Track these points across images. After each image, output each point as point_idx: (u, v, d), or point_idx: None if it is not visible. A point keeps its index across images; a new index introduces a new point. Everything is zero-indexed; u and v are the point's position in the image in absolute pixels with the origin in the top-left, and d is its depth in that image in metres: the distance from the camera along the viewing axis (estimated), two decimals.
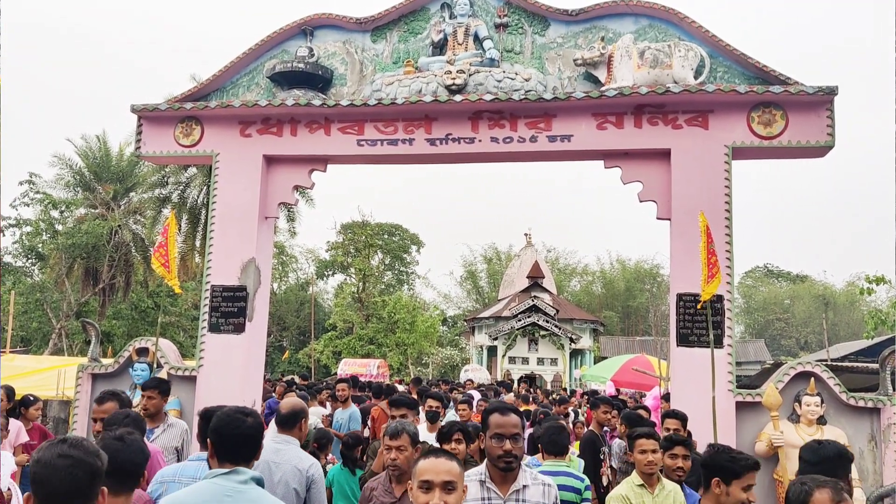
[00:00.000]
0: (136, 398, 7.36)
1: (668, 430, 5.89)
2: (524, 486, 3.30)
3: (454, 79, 7.63)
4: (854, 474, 6.19)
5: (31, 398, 7.77)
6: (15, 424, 7.12)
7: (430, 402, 7.56)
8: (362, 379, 20.95)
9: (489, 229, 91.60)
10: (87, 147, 28.94)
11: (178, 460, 5.27)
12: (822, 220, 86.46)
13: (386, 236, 48.07)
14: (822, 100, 7.00)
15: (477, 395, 13.25)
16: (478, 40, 7.94)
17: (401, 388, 15.86)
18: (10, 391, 7.37)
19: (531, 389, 18.09)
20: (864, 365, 10.55)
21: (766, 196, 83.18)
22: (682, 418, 5.99)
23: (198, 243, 26.43)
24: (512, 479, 3.28)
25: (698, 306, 6.33)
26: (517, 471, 3.31)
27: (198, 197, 26.77)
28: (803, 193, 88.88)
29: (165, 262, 7.02)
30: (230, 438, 2.96)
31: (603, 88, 7.35)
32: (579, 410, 13.55)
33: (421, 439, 4.68)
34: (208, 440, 3.05)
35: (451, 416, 9.05)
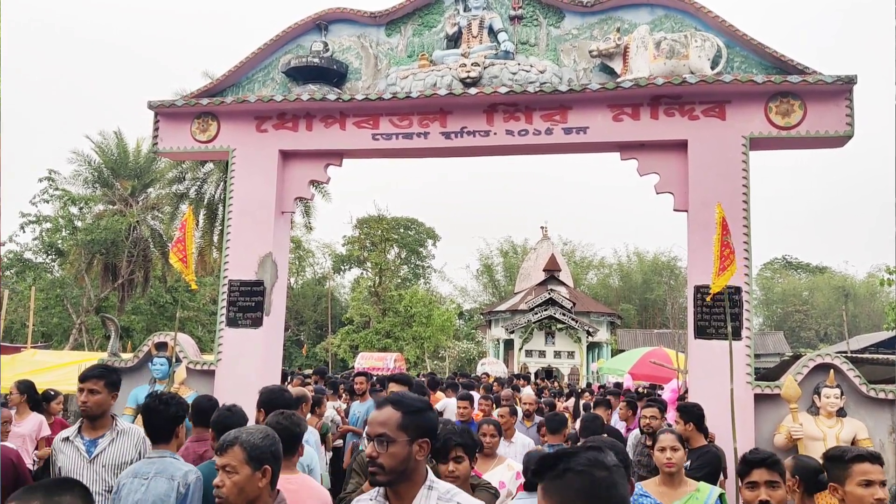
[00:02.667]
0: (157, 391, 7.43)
1: (676, 422, 5.85)
2: None
3: (469, 72, 7.61)
4: None
5: (52, 392, 7.88)
6: (37, 418, 7.22)
7: (393, 388, 5.94)
8: (377, 373, 21.03)
9: (505, 222, 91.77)
10: (105, 143, 29.17)
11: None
12: (843, 211, 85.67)
13: (402, 230, 48.15)
14: (841, 89, 6.92)
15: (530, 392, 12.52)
16: (492, 33, 7.91)
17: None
18: (29, 386, 7.46)
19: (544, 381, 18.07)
20: (885, 357, 10.45)
21: (784, 187, 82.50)
22: (685, 411, 5.86)
23: (215, 238, 26.62)
24: (409, 498, 2.46)
25: (707, 298, 6.27)
26: (413, 489, 2.46)
27: (215, 192, 26.95)
28: (823, 183, 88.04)
29: (183, 258, 7.06)
30: (273, 405, 4.15)
31: (619, 80, 7.31)
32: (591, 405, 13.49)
33: None
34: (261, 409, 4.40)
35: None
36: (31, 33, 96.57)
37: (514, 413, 7.18)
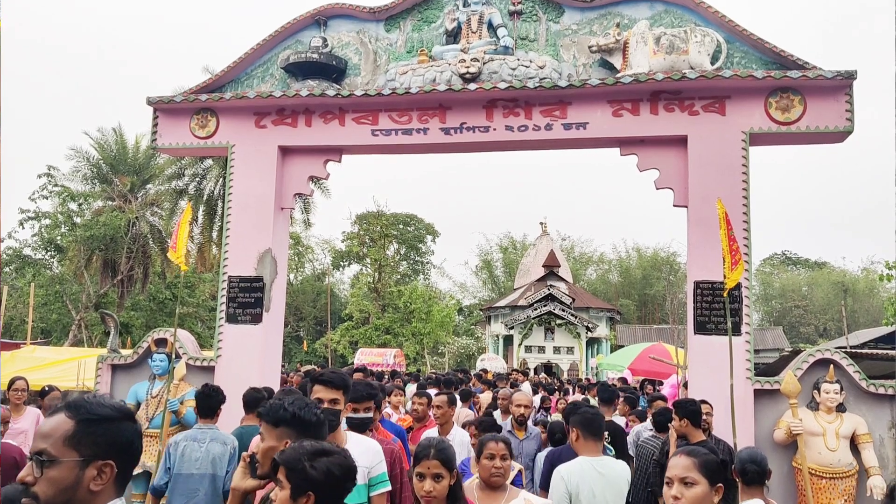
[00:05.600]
0: (156, 388, 7.43)
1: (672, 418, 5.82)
2: None
3: (468, 67, 7.60)
4: (874, 462, 6.17)
5: (48, 388, 7.97)
6: (35, 411, 7.29)
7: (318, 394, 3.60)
8: (377, 369, 21.07)
9: (504, 218, 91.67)
10: (104, 139, 29.13)
11: None
12: (841, 206, 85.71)
13: (401, 226, 48.13)
14: (841, 84, 6.91)
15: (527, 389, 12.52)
16: (492, 28, 7.89)
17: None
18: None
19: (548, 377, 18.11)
20: (884, 352, 10.46)
21: (783, 182, 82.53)
22: (678, 407, 5.74)
23: (214, 235, 26.59)
24: None
25: (724, 294, 6.27)
26: None
27: (214, 188, 26.92)
28: (822, 178, 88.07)
29: (174, 244, 7.07)
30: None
31: (618, 75, 7.30)
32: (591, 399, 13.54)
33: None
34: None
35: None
36: (30, 27, 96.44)
37: (452, 403, 6.37)
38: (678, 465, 2.79)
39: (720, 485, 2.76)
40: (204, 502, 4.94)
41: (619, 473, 4.31)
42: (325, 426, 2.90)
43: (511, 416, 6.60)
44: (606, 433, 6.78)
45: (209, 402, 5.34)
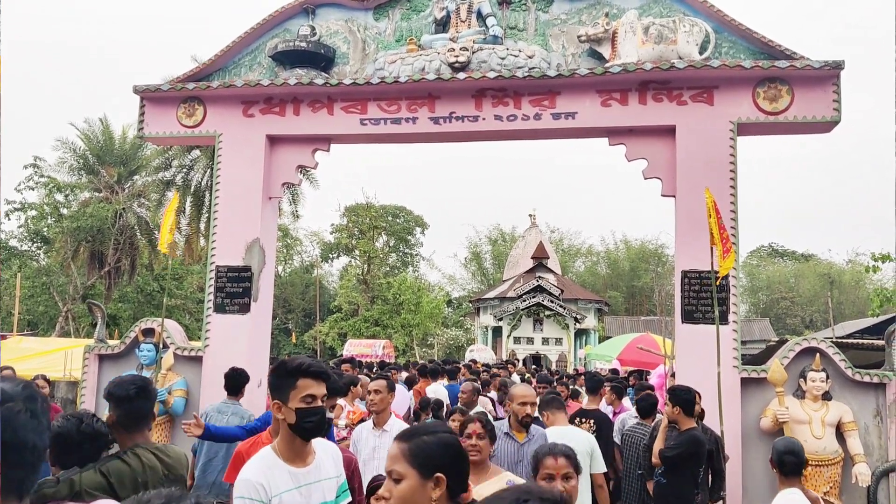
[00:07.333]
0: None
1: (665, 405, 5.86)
2: None
3: (457, 56, 7.58)
4: (859, 449, 6.22)
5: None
6: None
7: (309, 387, 3.42)
8: (366, 360, 21.08)
9: (493, 210, 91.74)
10: (90, 130, 28.94)
11: None
12: (828, 198, 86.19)
13: (390, 218, 48.10)
14: (829, 74, 6.94)
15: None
16: (481, 17, 7.87)
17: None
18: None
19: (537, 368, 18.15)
20: (870, 341, 10.54)
21: (770, 174, 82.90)
22: (671, 394, 5.79)
23: (202, 226, 26.48)
24: None
25: (716, 282, 6.29)
26: None
27: (202, 180, 26.80)
28: (808, 170, 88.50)
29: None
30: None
31: (607, 65, 7.30)
32: (580, 389, 13.59)
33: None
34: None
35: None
36: (24, 24, 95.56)
37: (392, 388, 5.60)
38: (388, 455, 2.21)
39: (439, 475, 2.10)
40: (220, 463, 5.96)
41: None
42: (135, 401, 3.00)
43: (513, 414, 4.97)
44: (592, 422, 6.95)
45: (234, 382, 6.24)
